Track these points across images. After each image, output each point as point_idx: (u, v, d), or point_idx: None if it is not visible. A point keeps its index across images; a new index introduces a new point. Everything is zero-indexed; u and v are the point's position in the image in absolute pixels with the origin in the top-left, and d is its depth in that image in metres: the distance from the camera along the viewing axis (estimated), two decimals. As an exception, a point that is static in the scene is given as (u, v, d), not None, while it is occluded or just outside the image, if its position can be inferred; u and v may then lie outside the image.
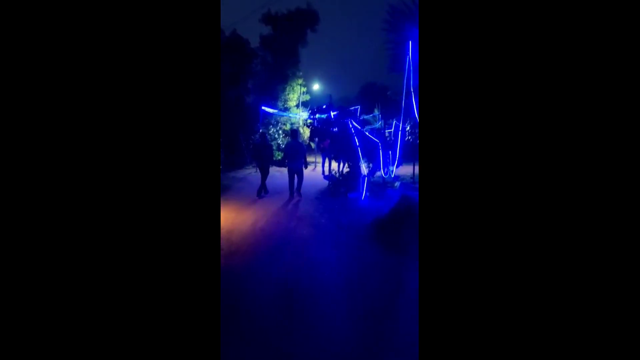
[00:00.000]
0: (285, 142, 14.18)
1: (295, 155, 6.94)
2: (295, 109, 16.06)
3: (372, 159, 7.22)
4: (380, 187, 7.61)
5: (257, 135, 12.38)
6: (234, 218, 5.51)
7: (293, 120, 15.93)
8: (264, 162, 7.14)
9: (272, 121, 15.13)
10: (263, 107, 13.15)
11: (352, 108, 8.77)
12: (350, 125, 7.11)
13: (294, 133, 7.29)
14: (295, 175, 7.08)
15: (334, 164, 9.57)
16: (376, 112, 13.86)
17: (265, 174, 7.20)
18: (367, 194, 6.96)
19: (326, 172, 9.27)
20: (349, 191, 7.33)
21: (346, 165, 7.82)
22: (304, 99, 16.67)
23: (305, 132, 14.61)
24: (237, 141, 13.69)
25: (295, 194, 7.16)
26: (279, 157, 11.04)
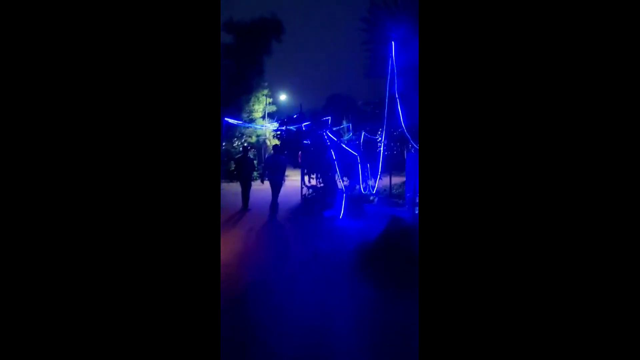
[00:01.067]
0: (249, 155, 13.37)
1: (277, 168, 6.91)
2: (261, 120, 15.34)
3: (350, 173, 6.61)
4: (356, 202, 6.99)
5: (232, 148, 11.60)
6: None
7: (259, 132, 15.18)
8: (247, 177, 7.18)
9: (237, 133, 14.25)
10: (226, 119, 12.25)
11: (324, 119, 8.15)
12: (326, 137, 6.48)
13: (275, 148, 7.27)
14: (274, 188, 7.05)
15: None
16: (345, 123, 13.44)
17: (247, 188, 7.16)
18: (345, 211, 6.30)
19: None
20: (325, 209, 6.65)
21: (320, 180, 7.15)
22: (270, 110, 16.03)
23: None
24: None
25: (273, 207, 7.08)
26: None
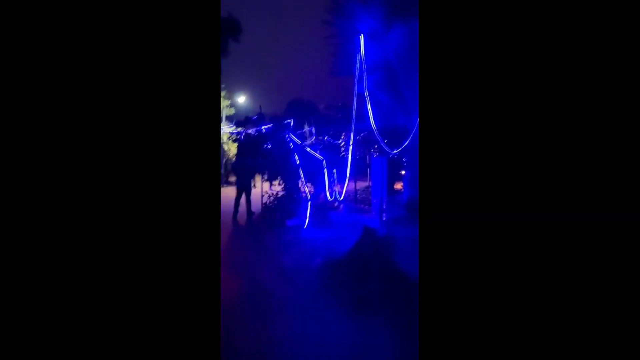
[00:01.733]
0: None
1: (244, 173, 6.69)
2: (218, 123, 14.57)
3: (314, 179, 6.21)
4: (321, 209, 6.59)
5: None
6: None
7: (216, 135, 14.39)
8: None
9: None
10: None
11: (286, 122, 7.71)
12: (288, 140, 6.03)
13: (240, 151, 7.05)
14: (244, 195, 6.73)
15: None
16: (306, 127, 13.08)
17: None
18: (309, 220, 5.87)
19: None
20: (288, 218, 6.18)
21: (282, 187, 6.69)
22: (229, 113, 15.30)
23: (231, 149, 13.14)
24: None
25: (249, 216, 6.77)
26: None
